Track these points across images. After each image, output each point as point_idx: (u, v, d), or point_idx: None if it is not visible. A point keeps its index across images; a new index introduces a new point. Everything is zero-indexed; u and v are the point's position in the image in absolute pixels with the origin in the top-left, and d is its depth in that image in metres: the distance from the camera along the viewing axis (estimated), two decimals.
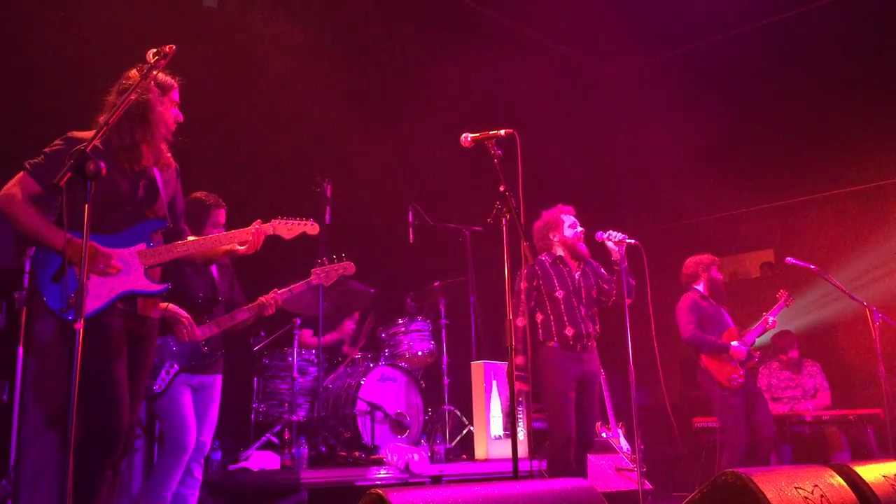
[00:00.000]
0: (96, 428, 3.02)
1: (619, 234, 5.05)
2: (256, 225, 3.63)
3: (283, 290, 4.50)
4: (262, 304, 4.42)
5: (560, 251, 5.20)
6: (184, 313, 4.16)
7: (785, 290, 6.32)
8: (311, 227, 3.90)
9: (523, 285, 4.97)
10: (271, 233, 3.71)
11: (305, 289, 4.56)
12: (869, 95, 7.89)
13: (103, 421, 3.02)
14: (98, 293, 3.11)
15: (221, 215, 4.60)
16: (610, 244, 5.06)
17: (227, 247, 3.61)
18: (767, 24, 8.40)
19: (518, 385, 4.81)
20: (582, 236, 5.22)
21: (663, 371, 5.01)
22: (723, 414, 5.90)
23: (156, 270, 3.37)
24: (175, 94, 3.40)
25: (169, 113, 3.36)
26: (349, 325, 6.60)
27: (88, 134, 3.14)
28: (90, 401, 3.01)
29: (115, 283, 3.16)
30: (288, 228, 3.80)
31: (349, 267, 4.58)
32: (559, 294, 5.05)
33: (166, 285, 3.32)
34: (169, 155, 3.48)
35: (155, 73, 3.09)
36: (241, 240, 3.61)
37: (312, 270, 4.50)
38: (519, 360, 4.75)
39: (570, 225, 5.24)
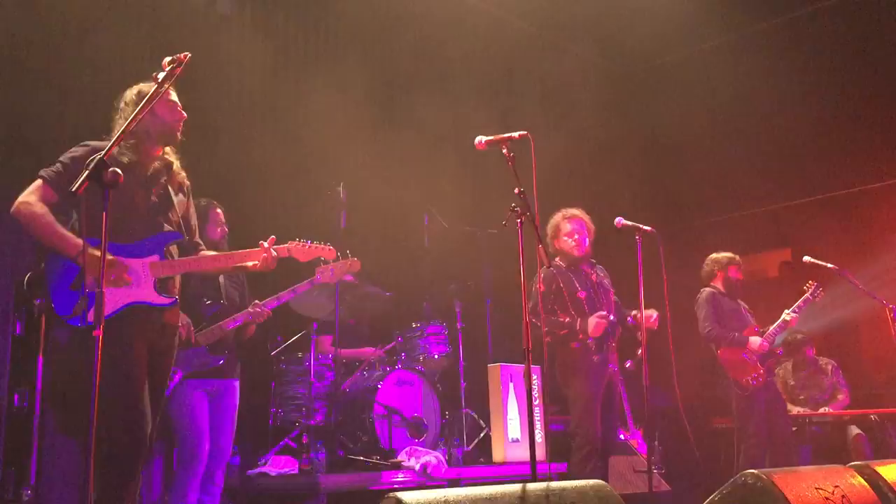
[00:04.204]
0: (117, 435, 3.03)
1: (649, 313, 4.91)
2: (267, 243, 3.56)
3: (286, 291, 4.53)
4: (254, 314, 4.45)
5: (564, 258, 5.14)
6: (183, 317, 4.18)
7: (815, 281, 6.03)
8: (328, 252, 3.93)
9: (541, 288, 4.91)
10: (286, 255, 3.70)
11: (310, 288, 4.55)
12: (888, 93, 7.81)
13: (122, 428, 3.03)
14: (106, 300, 3.12)
15: (220, 214, 4.63)
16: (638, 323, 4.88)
17: (239, 263, 3.57)
18: (770, 24, 8.36)
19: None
20: (583, 244, 5.11)
21: (680, 371, 4.94)
22: (741, 415, 5.80)
23: (172, 282, 3.38)
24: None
25: (161, 109, 3.28)
26: (369, 351, 6.52)
27: (104, 144, 3.15)
28: (106, 407, 3.02)
29: (122, 294, 3.17)
30: (304, 252, 3.82)
31: (355, 264, 4.49)
32: (582, 294, 5.01)
33: (174, 299, 3.33)
34: (182, 174, 3.49)
35: (171, 80, 3.08)
36: (254, 259, 3.55)
37: (317, 269, 4.44)
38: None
39: (566, 234, 5.13)
